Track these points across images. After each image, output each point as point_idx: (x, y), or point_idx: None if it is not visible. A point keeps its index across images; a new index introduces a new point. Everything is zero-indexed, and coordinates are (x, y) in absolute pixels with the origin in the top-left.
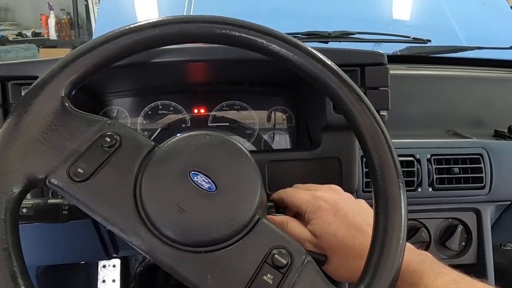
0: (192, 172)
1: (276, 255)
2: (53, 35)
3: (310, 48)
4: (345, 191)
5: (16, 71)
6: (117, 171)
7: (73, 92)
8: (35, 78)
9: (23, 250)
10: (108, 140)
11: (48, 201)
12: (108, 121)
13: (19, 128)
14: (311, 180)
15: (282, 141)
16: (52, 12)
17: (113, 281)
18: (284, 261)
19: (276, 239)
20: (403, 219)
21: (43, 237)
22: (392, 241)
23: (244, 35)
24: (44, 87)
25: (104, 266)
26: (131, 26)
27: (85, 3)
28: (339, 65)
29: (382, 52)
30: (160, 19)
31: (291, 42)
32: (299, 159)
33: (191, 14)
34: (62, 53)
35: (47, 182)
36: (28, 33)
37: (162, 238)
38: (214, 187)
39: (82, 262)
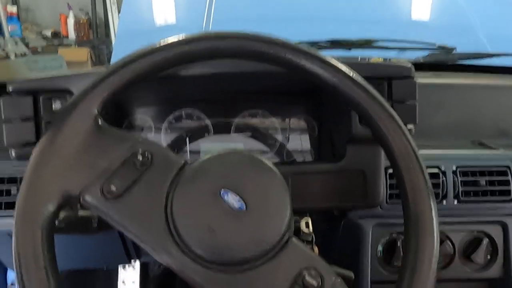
0: (223, 191)
1: (306, 277)
2: (71, 34)
3: (340, 64)
4: (369, 204)
5: (47, 84)
6: (149, 189)
7: (105, 109)
8: (66, 91)
9: None
10: (140, 158)
11: (79, 213)
12: (140, 139)
13: (54, 147)
14: (335, 192)
15: (304, 150)
16: (71, 12)
17: (133, 282)
18: (315, 283)
19: (306, 259)
20: (435, 244)
21: (69, 243)
22: (423, 266)
23: (272, 52)
24: (78, 105)
25: (124, 267)
26: (162, 43)
27: (104, 3)
28: (366, 78)
29: (410, 65)
30: (191, 35)
31: (320, 58)
32: (323, 171)
33: (211, 18)
34: (81, 52)
35: (81, 199)
36: (48, 33)
37: (193, 256)
38: (245, 206)
39: None
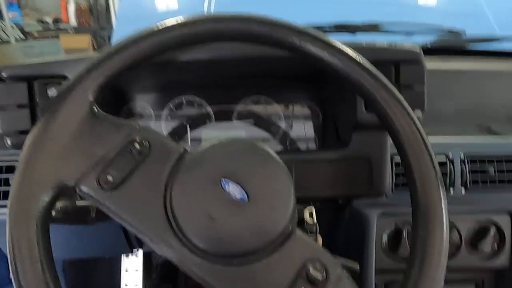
0: (224, 180)
1: (311, 269)
2: (72, 21)
3: (346, 48)
4: (375, 193)
5: (42, 70)
6: (147, 179)
7: (101, 95)
8: (61, 77)
9: (53, 243)
10: (138, 146)
11: (76, 203)
12: (137, 127)
13: (48, 135)
14: (340, 180)
15: (308, 138)
16: None
17: (136, 270)
18: (320, 276)
19: (310, 251)
20: (444, 235)
21: (70, 232)
22: (432, 259)
23: (274, 34)
24: (71, 92)
25: (127, 256)
26: (158, 25)
27: None
28: (372, 62)
29: (418, 49)
30: (191, 17)
31: (327, 42)
32: (328, 159)
33: (212, 11)
34: (82, 39)
35: (77, 189)
36: (48, 19)
37: (192, 248)
38: (246, 196)
39: None
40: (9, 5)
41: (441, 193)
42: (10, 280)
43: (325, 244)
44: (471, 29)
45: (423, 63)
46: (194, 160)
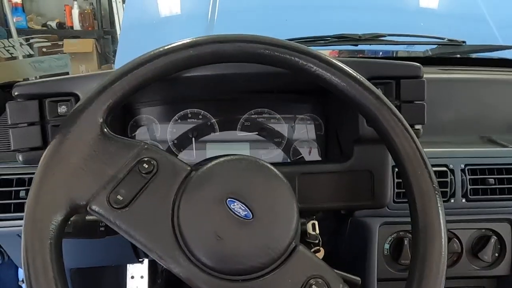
0: (229, 199)
1: (313, 286)
2: (76, 25)
3: (346, 68)
4: (376, 204)
5: (52, 88)
6: (155, 198)
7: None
8: (72, 94)
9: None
10: (146, 166)
11: (86, 217)
12: (146, 146)
13: (59, 156)
14: (342, 192)
15: (311, 149)
16: (75, 2)
17: (141, 277)
18: None
19: (313, 267)
20: (443, 251)
21: (78, 243)
22: (431, 274)
23: (277, 54)
24: (82, 114)
25: (132, 263)
26: (166, 47)
27: None
28: (373, 78)
29: (418, 64)
30: (195, 39)
31: (327, 61)
32: (330, 171)
33: (216, 10)
34: (86, 43)
35: (88, 208)
36: (53, 24)
37: (200, 265)
38: (251, 214)
39: None
40: (14, 10)
41: (440, 211)
42: (19, 286)
43: (328, 254)
44: (473, 38)
45: (423, 77)
46: (199, 178)
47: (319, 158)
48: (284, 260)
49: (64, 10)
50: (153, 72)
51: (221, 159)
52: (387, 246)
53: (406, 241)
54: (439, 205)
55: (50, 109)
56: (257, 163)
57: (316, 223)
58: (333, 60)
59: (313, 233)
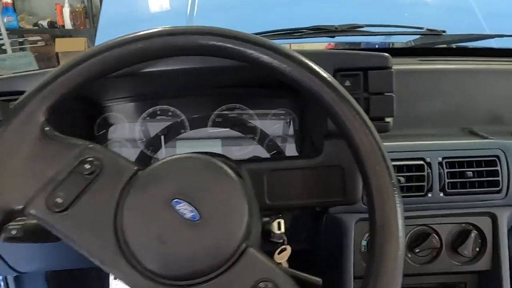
0: (175, 200)
1: None
2: (68, 24)
3: (304, 58)
4: (349, 200)
5: (2, 86)
6: (97, 200)
7: (53, 114)
8: (22, 92)
9: (32, 256)
10: (88, 166)
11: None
12: (89, 145)
13: None
14: (313, 189)
15: (285, 144)
16: (66, 1)
17: None
18: None
19: (263, 271)
20: (399, 253)
21: (50, 245)
22: (387, 272)
23: (231, 46)
24: (20, 113)
25: None
26: (113, 41)
27: None
28: (340, 69)
29: (387, 55)
30: (146, 31)
31: (285, 53)
32: (301, 167)
33: (196, 5)
34: (78, 42)
35: (25, 213)
36: (44, 23)
37: (142, 271)
38: (198, 215)
39: None
40: (5, 10)
41: (398, 208)
42: None
43: (306, 252)
44: (458, 28)
45: (391, 68)
46: (145, 178)
47: (296, 154)
48: (233, 263)
49: (55, 9)
50: (99, 67)
51: (169, 158)
52: (364, 243)
53: None
54: (397, 202)
55: (2, 109)
56: (206, 161)
57: (282, 221)
58: (291, 52)
59: (278, 232)
